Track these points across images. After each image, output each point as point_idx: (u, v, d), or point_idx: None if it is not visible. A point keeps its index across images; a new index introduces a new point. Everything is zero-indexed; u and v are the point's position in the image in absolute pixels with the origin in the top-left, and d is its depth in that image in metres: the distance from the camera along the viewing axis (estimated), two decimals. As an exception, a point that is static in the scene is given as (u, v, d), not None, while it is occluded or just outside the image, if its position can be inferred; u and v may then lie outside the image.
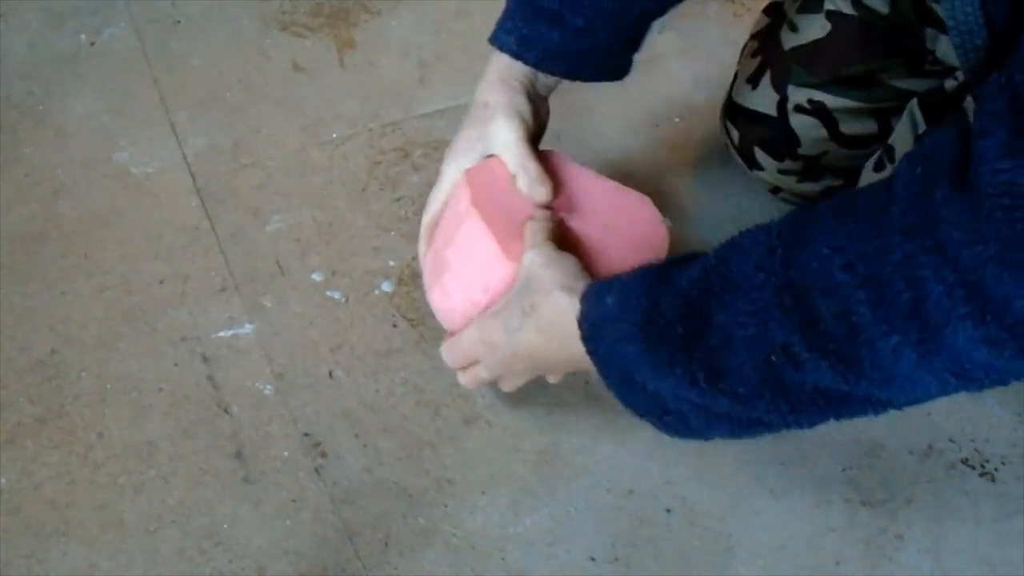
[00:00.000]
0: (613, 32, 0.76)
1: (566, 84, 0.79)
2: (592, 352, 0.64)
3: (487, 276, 0.73)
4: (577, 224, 0.75)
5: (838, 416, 0.58)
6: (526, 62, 0.76)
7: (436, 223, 0.79)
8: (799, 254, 0.54)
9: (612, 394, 0.65)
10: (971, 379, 0.52)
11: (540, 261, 0.69)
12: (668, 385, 0.60)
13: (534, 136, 0.78)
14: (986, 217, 0.48)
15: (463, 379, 0.77)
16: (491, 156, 0.77)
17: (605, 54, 0.77)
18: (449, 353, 0.76)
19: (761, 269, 0.56)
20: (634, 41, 0.79)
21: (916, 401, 0.56)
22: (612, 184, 0.79)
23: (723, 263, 0.58)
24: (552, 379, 0.77)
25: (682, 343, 0.59)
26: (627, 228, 0.76)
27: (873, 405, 0.57)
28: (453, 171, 0.78)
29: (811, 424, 0.59)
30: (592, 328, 0.63)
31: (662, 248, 0.75)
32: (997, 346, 0.50)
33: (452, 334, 0.77)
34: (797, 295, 0.54)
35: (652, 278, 0.62)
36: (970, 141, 0.49)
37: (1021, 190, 0.46)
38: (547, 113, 0.80)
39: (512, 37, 0.75)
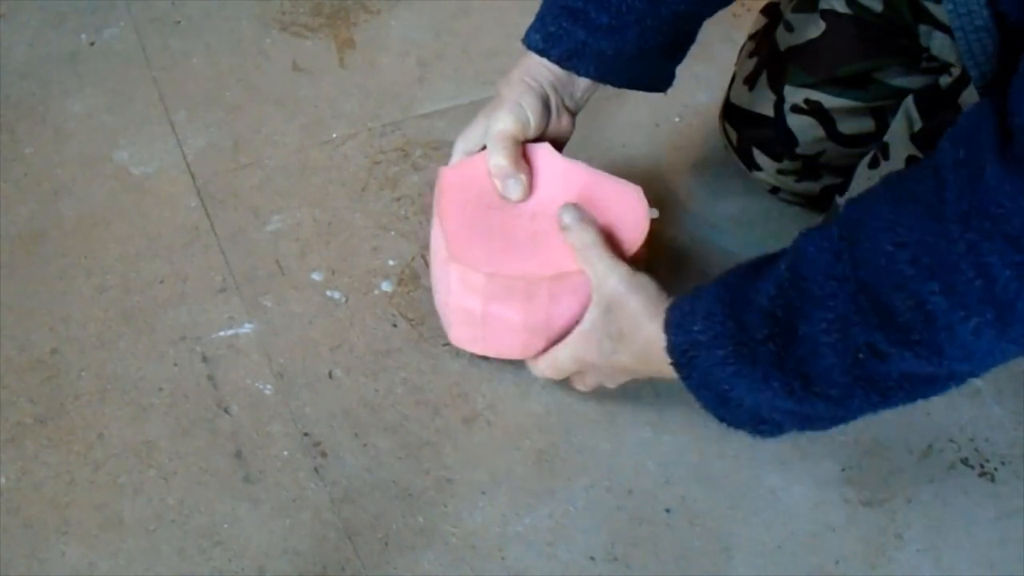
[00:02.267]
0: (641, 33, 0.75)
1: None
2: (686, 379, 0.67)
3: (446, 278, 0.75)
4: (555, 214, 0.76)
5: (925, 396, 0.61)
6: (550, 59, 0.76)
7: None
8: (864, 254, 0.56)
9: (708, 412, 0.68)
10: None
11: (624, 287, 0.71)
12: (765, 399, 0.63)
13: (543, 139, 0.79)
14: None
15: (578, 387, 0.79)
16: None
17: (635, 58, 0.77)
18: (550, 369, 0.78)
19: (832, 277, 0.58)
20: (671, 49, 0.79)
21: (995, 366, 0.59)
22: (596, 174, 0.79)
23: (796, 275, 0.60)
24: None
25: (775, 359, 0.61)
26: (608, 218, 0.76)
27: (956, 379, 0.60)
28: (458, 149, 0.80)
29: (897, 406, 0.62)
30: (683, 357, 0.66)
31: (641, 236, 0.76)
32: None
33: (542, 355, 0.78)
34: (871, 296, 0.56)
35: (732, 299, 0.64)
36: (1009, 121, 0.50)
37: None
38: (568, 125, 0.81)
39: (539, 35, 0.76)
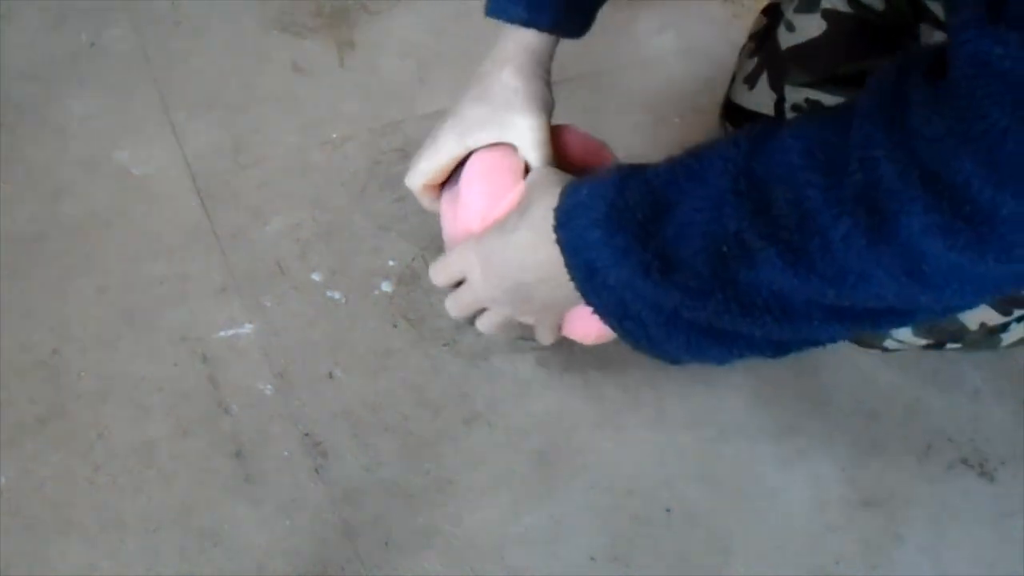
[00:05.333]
0: None
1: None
2: (560, 241, 0.63)
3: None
4: None
5: (795, 331, 0.57)
6: (538, 28, 0.73)
7: (429, 189, 0.80)
8: (763, 146, 0.54)
9: (577, 289, 0.64)
10: (926, 281, 0.50)
11: (545, 169, 0.70)
12: (624, 275, 0.60)
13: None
14: (949, 91, 0.45)
15: (448, 304, 0.77)
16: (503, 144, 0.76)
17: (592, 7, 0.76)
18: (438, 267, 0.76)
19: (723, 158, 0.56)
20: None
21: (873, 310, 0.54)
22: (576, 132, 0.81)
23: (691, 156, 0.58)
24: (546, 338, 0.77)
25: (640, 230, 0.58)
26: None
27: (831, 314, 0.55)
28: (457, 146, 0.76)
29: (775, 341, 0.58)
30: (564, 215, 0.64)
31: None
32: (951, 234, 0.47)
33: None
34: (754, 182, 0.53)
35: (627, 170, 0.62)
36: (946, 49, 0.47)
37: (985, 57, 0.44)
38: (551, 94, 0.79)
39: (519, 6, 0.73)
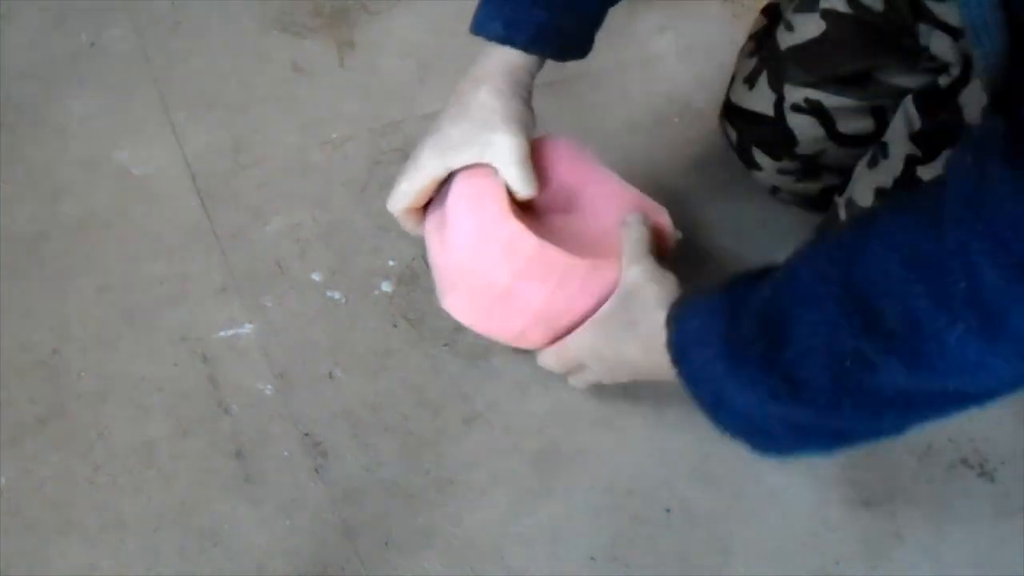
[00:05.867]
0: (598, 3, 0.76)
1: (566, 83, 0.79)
2: (681, 375, 0.67)
3: (483, 238, 0.74)
4: (578, 223, 0.75)
5: (922, 416, 0.60)
6: (514, 45, 0.74)
7: (412, 212, 0.80)
8: (858, 258, 0.56)
9: (706, 416, 0.67)
10: None
11: (644, 277, 0.72)
12: (753, 401, 0.63)
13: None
14: None
15: (573, 382, 0.80)
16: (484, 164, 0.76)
17: (587, 29, 0.77)
18: (554, 358, 0.78)
19: (824, 279, 0.57)
20: (605, 11, 0.79)
21: (992, 390, 0.56)
22: (623, 187, 0.80)
23: (791, 278, 0.60)
24: (583, 384, 0.81)
25: (761, 360, 0.61)
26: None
27: (952, 399, 0.57)
28: (438, 166, 0.76)
29: (900, 429, 0.61)
30: (680, 352, 0.66)
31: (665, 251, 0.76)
32: None
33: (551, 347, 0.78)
34: (858, 299, 0.55)
35: (731, 299, 0.64)
36: (1021, 124, 0.49)
37: None
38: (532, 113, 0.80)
39: (497, 22, 0.74)
